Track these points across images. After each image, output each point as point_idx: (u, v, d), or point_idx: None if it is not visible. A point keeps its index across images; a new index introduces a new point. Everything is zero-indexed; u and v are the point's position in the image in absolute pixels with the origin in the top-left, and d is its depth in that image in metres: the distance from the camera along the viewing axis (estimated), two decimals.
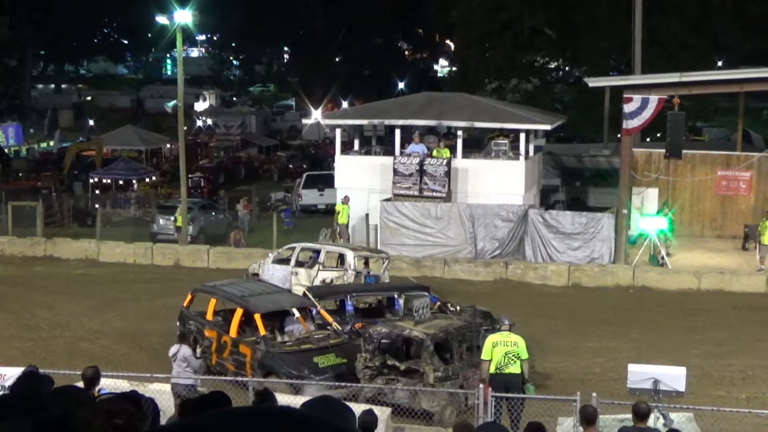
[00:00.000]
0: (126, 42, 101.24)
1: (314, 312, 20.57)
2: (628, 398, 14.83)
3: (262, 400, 10.57)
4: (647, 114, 29.80)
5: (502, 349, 15.89)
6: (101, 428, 3.52)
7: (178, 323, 21.31)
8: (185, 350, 17.02)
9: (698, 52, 50.27)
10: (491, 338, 16.21)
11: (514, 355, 15.88)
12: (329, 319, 20.27)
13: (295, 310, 20.29)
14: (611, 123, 46.17)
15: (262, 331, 19.11)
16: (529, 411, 15.46)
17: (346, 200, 32.52)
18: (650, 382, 13.98)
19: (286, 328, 19.93)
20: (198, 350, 17.20)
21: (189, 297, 21.65)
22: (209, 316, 20.69)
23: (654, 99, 29.75)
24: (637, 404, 12.44)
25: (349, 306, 21.17)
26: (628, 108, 29.99)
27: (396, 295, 21.88)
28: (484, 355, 16.07)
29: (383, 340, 18.13)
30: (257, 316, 19.35)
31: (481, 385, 15.25)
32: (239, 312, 19.81)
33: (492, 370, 15.81)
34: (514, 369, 15.84)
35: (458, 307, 21.94)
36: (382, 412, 14.69)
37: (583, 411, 12.37)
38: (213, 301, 20.80)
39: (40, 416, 4.87)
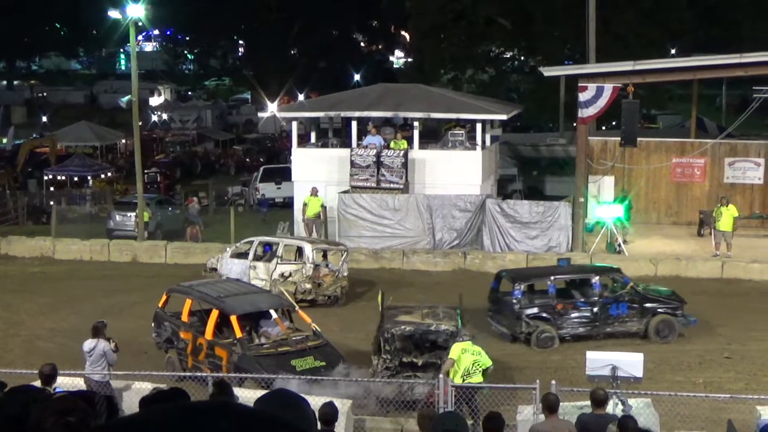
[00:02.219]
0: (78, 37, 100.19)
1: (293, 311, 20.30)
2: (587, 385, 14.90)
3: (219, 392, 10.52)
4: (602, 102, 29.98)
5: (470, 357, 15.92)
6: (53, 426, 3.47)
7: (153, 325, 20.88)
8: (103, 345, 16.52)
9: (652, 40, 50.64)
10: (459, 345, 16.22)
11: (478, 365, 15.94)
12: (308, 320, 19.84)
13: (272, 312, 19.91)
14: (567, 112, 46.43)
15: (239, 333, 18.68)
16: (487, 399, 15.53)
17: (314, 192, 32.35)
18: (608, 369, 14.08)
19: (262, 330, 19.55)
20: (112, 344, 16.59)
21: (164, 297, 21.18)
22: (185, 318, 20.19)
23: (609, 87, 29.93)
24: (594, 391, 12.53)
25: (551, 288, 22.24)
26: (583, 97, 30.15)
27: (592, 277, 22.68)
28: (451, 354, 16.09)
29: (403, 338, 18.08)
30: (233, 318, 18.89)
31: (441, 377, 15.28)
32: (215, 313, 19.36)
33: (458, 378, 15.74)
34: (477, 378, 15.85)
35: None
36: (342, 404, 14.66)
37: (545, 399, 12.43)
38: (188, 301, 20.33)
39: None
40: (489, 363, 16.17)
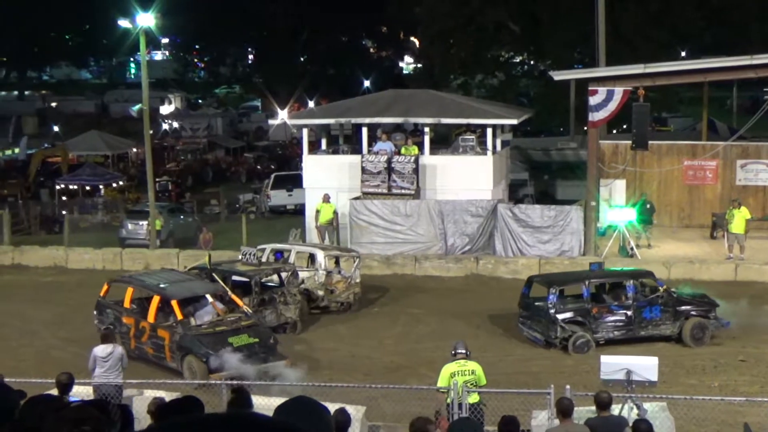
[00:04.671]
0: (89, 47, 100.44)
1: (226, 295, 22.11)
2: (601, 389, 14.87)
3: (237, 398, 10.49)
4: (613, 106, 29.91)
5: (461, 378, 15.09)
6: None
7: (95, 312, 22.77)
8: (120, 349, 17.08)
9: (661, 43, 50.57)
10: (448, 368, 15.28)
11: (472, 384, 15.17)
12: (240, 303, 21.87)
13: (208, 296, 21.60)
14: (577, 116, 46.35)
15: (179, 316, 20.60)
16: (502, 405, 15.43)
17: (326, 198, 32.35)
18: (623, 373, 14.02)
19: (198, 312, 21.30)
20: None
21: (105, 287, 23.03)
22: (126, 304, 22.06)
23: (619, 91, 29.87)
24: (598, 394, 12.48)
25: (585, 291, 22.26)
26: (593, 100, 30.08)
27: (626, 281, 22.74)
28: (441, 383, 15.25)
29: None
30: (174, 302, 20.85)
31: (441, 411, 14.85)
32: (156, 299, 21.20)
33: (450, 400, 15.02)
34: (473, 399, 15.12)
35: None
36: (356, 411, 14.65)
37: (559, 404, 12.37)
38: (130, 290, 22.25)
39: (11, 428, 4.80)
40: (483, 381, 15.38)
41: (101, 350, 16.88)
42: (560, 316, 21.95)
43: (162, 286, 21.67)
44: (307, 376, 19.16)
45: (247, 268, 24.50)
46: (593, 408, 14.03)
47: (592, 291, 22.67)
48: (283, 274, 24.74)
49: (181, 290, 21.62)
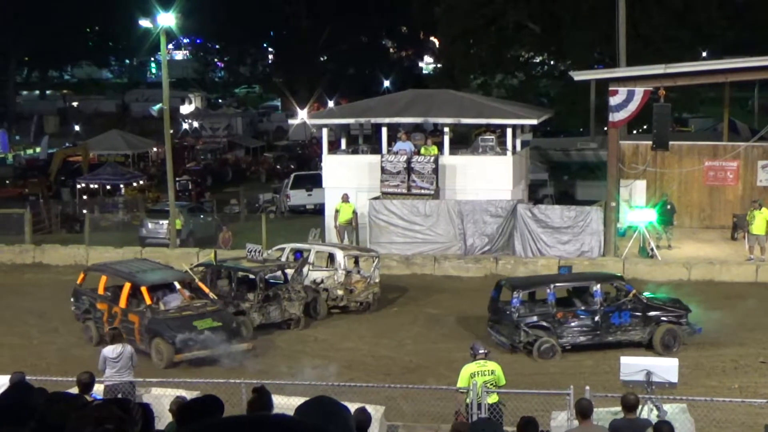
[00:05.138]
0: (109, 46, 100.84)
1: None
2: (621, 391, 14.82)
3: (258, 398, 10.52)
4: (633, 106, 29.82)
5: (481, 378, 15.20)
6: None
7: (72, 299, 24.37)
8: (130, 348, 17.51)
9: (682, 43, 50.36)
10: (468, 368, 15.44)
11: (492, 384, 15.29)
12: (206, 290, 23.22)
13: (176, 283, 23.18)
14: (597, 116, 46.26)
15: (148, 301, 22.11)
16: (522, 406, 15.42)
17: (345, 198, 32.40)
18: (643, 374, 13.99)
19: (166, 298, 22.71)
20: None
21: (81, 276, 24.89)
22: (101, 291, 23.65)
23: (639, 91, 29.77)
24: (625, 396, 12.44)
25: (551, 296, 21.83)
26: (614, 101, 30.00)
27: (593, 284, 22.29)
28: (461, 383, 15.37)
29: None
30: (143, 289, 22.35)
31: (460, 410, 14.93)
32: (127, 286, 22.80)
33: (469, 401, 15.13)
34: (492, 399, 15.22)
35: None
36: (375, 411, 14.66)
37: (578, 404, 12.36)
38: (104, 278, 23.87)
39: (34, 426, 4.82)
40: (503, 382, 15.51)
41: (110, 351, 17.04)
42: (524, 321, 21.60)
43: (133, 273, 23.31)
44: (328, 376, 19.20)
45: (252, 264, 24.82)
46: (613, 409, 14.03)
47: (560, 296, 22.27)
48: (288, 271, 25.08)
49: (150, 278, 23.10)
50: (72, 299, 24.44)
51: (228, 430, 2.34)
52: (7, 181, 52.73)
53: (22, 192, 48.01)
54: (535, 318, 21.78)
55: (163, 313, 22.14)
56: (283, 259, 26.60)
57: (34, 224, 37.08)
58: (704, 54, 56.20)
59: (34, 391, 6.83)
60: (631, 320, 21.95)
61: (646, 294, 23.10)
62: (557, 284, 22.41)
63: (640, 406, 13.06)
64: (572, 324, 21.82)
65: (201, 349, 21.25)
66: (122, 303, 22.57)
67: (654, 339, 21.86)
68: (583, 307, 22.00)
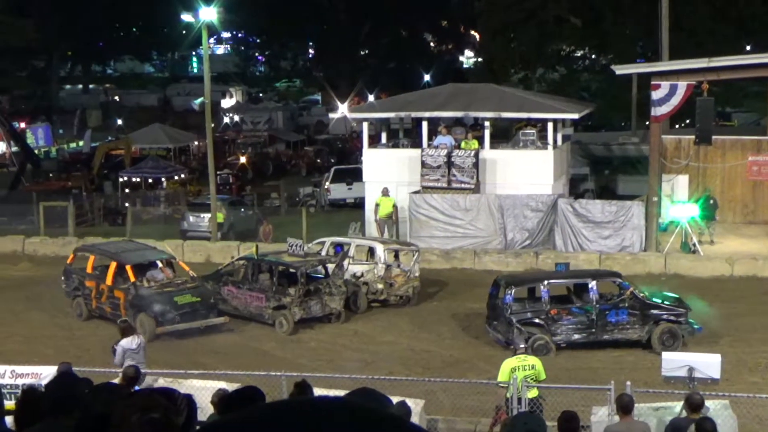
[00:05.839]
0: (151, 41, 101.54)
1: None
2: (663, 386, 14.77)
3: (299, 392, 10.59)
4: (676, 100, 29.58)
5: (521, 373, 15.22)
6: (138, 423, 3.52)
7: (62, 278, 26.14)
8: (142, 338, 18.12)
9: (726, 37, 49.87)
10: (509, 363, 15.56)
11: (532, 379, 15.31)
12: (186, 268, 25.17)
13: (159, 262, 25.06)
14: (639, 110, 45.88)
15: (132, 278, 23.94)
16: (562, 401, 15.38)
17: (385, 192, 32.43)
18: (685, 370, 13.91)
19: (148, 275, 24.42)
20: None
21: (71, 256, 26.78)
22: (89, 270, 25.52)
23: (682, 85, 29.52)
24: (691, 395, 12.31)
25: (544, 293, 21.65)
26: (656, 95, 29.78)
27: (589, 282, 22.03)
28: (502, 378, 15.44)
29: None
30: (128, 267, 24.18)
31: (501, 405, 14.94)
32: (113, 264, 24.75)
33: (510, 395, 15.15)
34: (532, 394, 15.22)
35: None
36: (415, 404, 14.69)
37: (619, 400, 12.32)
38: (92, 257, 25.86)
39: (80, 415, 4.88)
40: (543, 376, 15.56)
41: (129, 342, 17.17)
42: (516, 318, 21.36)
43: (118, 253, 25.37)
44: (366, 370, 19.25)
45: (293, 259, 24.86)
46: (654, 405, 13.97)
47: (556, 293, 22.05)
48: (329, 266, 25.16)
49: (135, 257, 25.05)
50: (63, 277, 26.24)
51: (273, 416, 2.32)
52: (51, 175, 53.20)
53: (65, 185, 48.44)
54: (528, 315, 21.56)
55: (146, 289, 23.92)
56: (323, 252, 26.69)
57: (77, 217, 37.47)
58: (748, 48, 55.58)
59: (79, 382, 6.93)
60: (629, 318, 21.57)
61: (645, 292, 22.63)
62: (551, 281, 22.17)
63: (681, 402, 13.00)
64: (566, 322, 21.54)
65: (181, 323, 23.20)
66: (109, 280, 24.46)
67: (652, 338, 21.46)
68: (578, 305, 21.73)
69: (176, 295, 23.72)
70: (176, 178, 48.55)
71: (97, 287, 24.86)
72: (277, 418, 2.31)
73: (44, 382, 14.05)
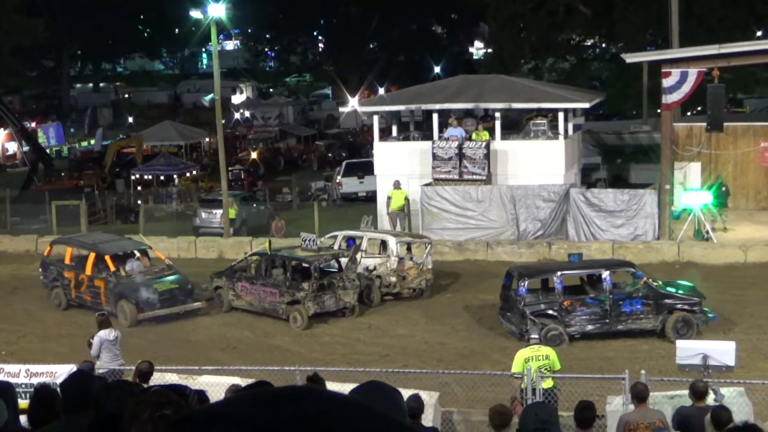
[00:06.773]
0: (161, 38, 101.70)
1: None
2: (677, 375, 14.72)
3: (314, 384, 10.59)
4: (687, 88, 29.46)
5: (535, 364, 15.17)
6: (149, 419, 3.53)
7: (40, 270, 26.97)
8: (119, 333, 18.03)
9: (736, 23, 49.64)
10: (522, 353, 15.52)
11: (546, 369, 15.29)
12: (162, 257, 26.56)
13: (136, 252, 26.14)
14: (650, 98, 45.76)
15: (112, 268, 24.96)
16: (577, 391, 15.37)
17: (397, 185, 32.42)
18: (699, 358, 13.85)
19: (128, 265, 25.35)
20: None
21: (48, 248, 27.48)
22: (67, 261, 26.29)
23: (693, 72, 29.41)
24: (695, 383, 12.30)
25: (558, 284, 21.53)
26: (666, 82, 29.67)
27: (602, 272, 21.90)
28: (516, 368, 15.38)
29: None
30: (107, 257, 25.18)
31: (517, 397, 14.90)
32: (92, 255, 25.58)
33: (524, 386, 15.07)
34: (546, 384, 15.16)
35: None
36: (430, 397, 14.69)
37: (634, 388, 12.29)
38: (69, 249, 26.62)
39: (95, 413, 4.90)
40: (558, 366, 15.54)
41: (107, 334, 17.37)
42: (529, 309, 21.30)
43: (96, 244, 26.28)
44: (380, 363, 19.27)
45: (307, 253, 24.85)
46: (669, 393, 13.94)
47: (569, 284, 21.96)
48: (342, 260, 25.11)
49: (113, 247, 26.03)
50: (40, 269, 27.10)
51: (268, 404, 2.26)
52: (63, 174, 53.40)
53: (77, 184, 48.63)
54: (542, 306, 21.52)
55: (125, 278, 24.93)
56: (336, 246, 26.70)
57: (89, 215, 37.58)
58: (759, 34, 55.34)
59: (93, 380, 6.94)
60: (643, 308, 21.48)
61: (658, 281, 22.52)
62: (565, 272, 22.14)
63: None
64: (580, 312, 21.48)
65: (161, 308, 24.20)
66: (88, 270, 25.36)
67: (666, 327, 21.38)
68: (592, 295, 21.68)
69: (156, 282, 24.80)
70: (188, 174, 48.66)
71: (77, 277, 25.73)
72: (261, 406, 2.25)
73: (59, 380, 14.11)
